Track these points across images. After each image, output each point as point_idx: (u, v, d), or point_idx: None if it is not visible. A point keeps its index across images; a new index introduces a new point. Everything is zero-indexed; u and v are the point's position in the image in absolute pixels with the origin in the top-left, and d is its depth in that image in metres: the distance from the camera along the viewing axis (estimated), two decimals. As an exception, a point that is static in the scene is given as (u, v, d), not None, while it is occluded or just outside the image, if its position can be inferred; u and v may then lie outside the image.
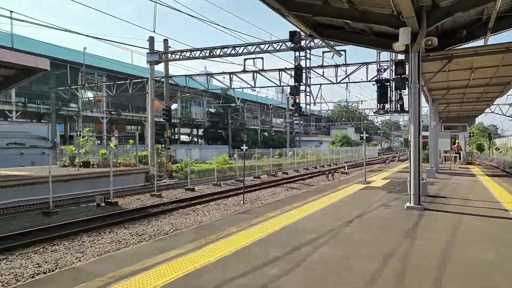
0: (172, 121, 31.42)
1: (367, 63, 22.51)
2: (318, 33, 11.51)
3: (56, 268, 7.32)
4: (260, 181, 23.80)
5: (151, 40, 25.88)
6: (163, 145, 25.82)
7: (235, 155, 30.47)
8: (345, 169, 29.99)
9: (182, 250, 5.78)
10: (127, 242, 9.26)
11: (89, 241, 9.41)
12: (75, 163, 19.92)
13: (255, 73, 24.76)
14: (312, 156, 41.30)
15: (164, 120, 25.77)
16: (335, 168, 31.44)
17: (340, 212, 9.03)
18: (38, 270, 7.22)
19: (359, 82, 24.58)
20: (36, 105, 34.67)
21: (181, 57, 25.48)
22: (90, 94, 38.41)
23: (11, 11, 11.25)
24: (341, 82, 23.76)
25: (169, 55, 26.27)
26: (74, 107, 37.23)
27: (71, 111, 37.14)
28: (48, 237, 9.54)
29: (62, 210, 13.17)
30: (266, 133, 72.71)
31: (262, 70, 24.27)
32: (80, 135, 21.89)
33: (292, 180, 24.38)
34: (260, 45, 23.23)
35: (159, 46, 26.98)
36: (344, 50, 20.53)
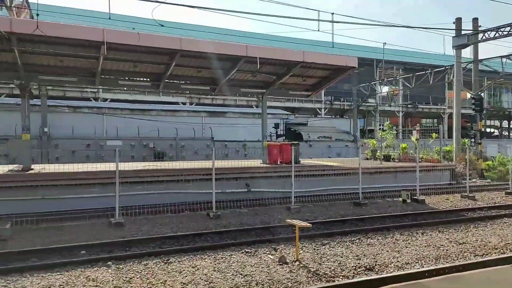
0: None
1: None
2: None
3: (375, 265, 7.16)
4: None
5: (458, 21, 23.01)
6: (472, 139, 22.46)
7: None
8: None
9: None
10: (446, 250, 8.12)
11: (402, 240, 8.90)
12: (376, 156, 20.31)
13: None
14: None
15: (473, 111, 22.37)
16: None
17: None
18: (358, 263, 7.26)
19: None
20: (340, 102, 38.47)
21: (496, 35, 21.31)
22: (385, 89, 39.05)
23: (332, 13, 12.50)
24: None
25: (479, 35, 22.56)
26: (372, 102, 38.83)
27: (370, 106, 38.92)
28: (362, 228, 9.75)
29: (370, 202, 13.45)
30: None
31: None
32: (382, 128, 22.19)
33: None
34: None
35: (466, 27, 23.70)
36: None
